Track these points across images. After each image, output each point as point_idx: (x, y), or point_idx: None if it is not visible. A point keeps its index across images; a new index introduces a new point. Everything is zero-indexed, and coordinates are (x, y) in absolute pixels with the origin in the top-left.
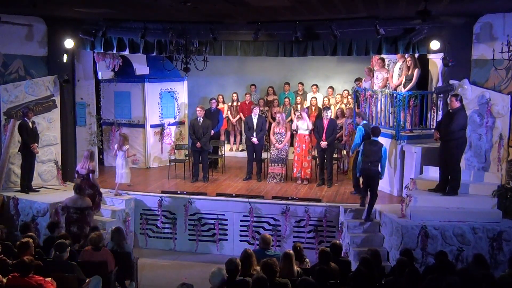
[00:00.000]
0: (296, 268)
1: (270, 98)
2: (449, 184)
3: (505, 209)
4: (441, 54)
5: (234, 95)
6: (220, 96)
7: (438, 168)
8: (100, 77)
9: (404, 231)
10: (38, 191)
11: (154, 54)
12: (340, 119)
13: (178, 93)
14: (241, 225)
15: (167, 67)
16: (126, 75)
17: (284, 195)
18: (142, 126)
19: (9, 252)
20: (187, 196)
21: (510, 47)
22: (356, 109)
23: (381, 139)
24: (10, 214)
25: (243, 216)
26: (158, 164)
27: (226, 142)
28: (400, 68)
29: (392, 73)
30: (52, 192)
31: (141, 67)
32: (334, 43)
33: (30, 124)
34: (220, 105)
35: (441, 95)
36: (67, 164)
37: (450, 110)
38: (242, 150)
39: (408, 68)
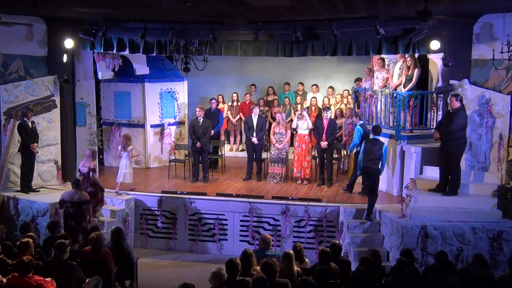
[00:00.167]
0: (296, 268)
1: (270, 98)
2: (449, 184)
3: (505, 209)
4: (441, 54)
5: (234, 95)
6: (220, 96)
7: (438, 168)
8: (100, 77)
9: (404, 231)
10: (38, 191)
11: (154, 54)
12: (339, 119)
13: (178, 93)
14: (241, 225)
15: (167, 67)
16: (126, 75)
17: (284, 195)
18: (142, 126)
19: (9, 252)
20: (187, 196)
21: (510, 47)
22: (356, 109)
23: (381, 139)
24: (10, 214)
25: (243, 216)
26: (158, 164)
27: (226, 142)
28: (400, 68)
29: (392, 73)
30: (52, 192)
31: (141, 67)
32: (334, 43)
33: (30, 124)
34: (220, 105)
35: (441, 95)
36: (67, 164)
37: (450, 110)
38: (242, 150)
39: (408, 68)
